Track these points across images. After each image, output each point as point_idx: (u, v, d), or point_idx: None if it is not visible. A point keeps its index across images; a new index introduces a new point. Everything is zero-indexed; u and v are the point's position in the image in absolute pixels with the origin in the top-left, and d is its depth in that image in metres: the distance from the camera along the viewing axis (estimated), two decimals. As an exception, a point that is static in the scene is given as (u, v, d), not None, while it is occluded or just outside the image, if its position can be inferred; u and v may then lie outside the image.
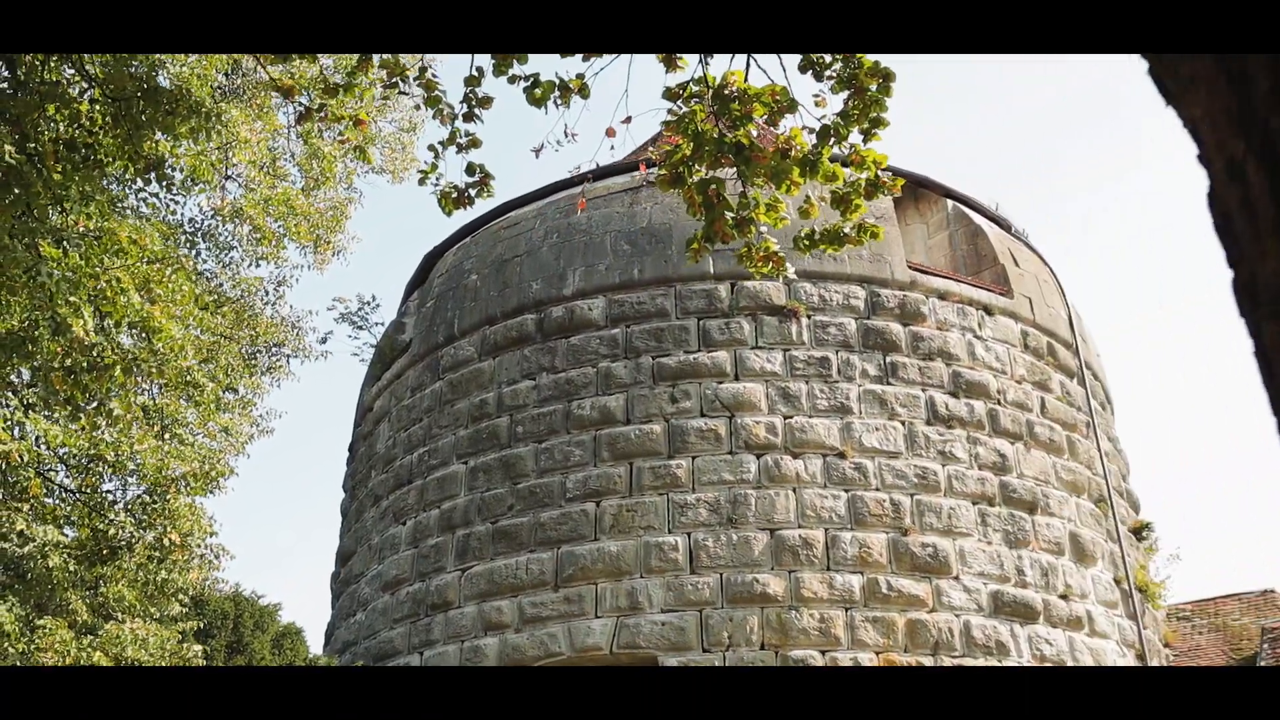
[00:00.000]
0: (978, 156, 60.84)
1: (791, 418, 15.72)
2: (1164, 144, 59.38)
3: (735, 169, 6.02)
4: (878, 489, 15.36)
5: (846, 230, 6.35)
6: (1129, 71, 59.91)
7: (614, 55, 5.81)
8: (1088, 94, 58.63)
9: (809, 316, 16.49)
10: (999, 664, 14.72)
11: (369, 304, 21.03)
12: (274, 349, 13.82)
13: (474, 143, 6.48)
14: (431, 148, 6.47)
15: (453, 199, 6.51)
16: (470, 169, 6.52)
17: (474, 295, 18.29)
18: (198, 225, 11.88)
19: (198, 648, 9.66)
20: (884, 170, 6.15)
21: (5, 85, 6.12)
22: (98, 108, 6.44)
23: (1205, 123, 1.37)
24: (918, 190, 19.10)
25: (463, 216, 22.96)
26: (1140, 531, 18.41)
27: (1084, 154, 59.81)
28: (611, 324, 16.81)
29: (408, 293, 21.47)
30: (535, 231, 18.27)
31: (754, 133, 5.98)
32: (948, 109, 58.10)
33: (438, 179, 6.56)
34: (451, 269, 19.41)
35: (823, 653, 14.29)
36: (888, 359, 16.39)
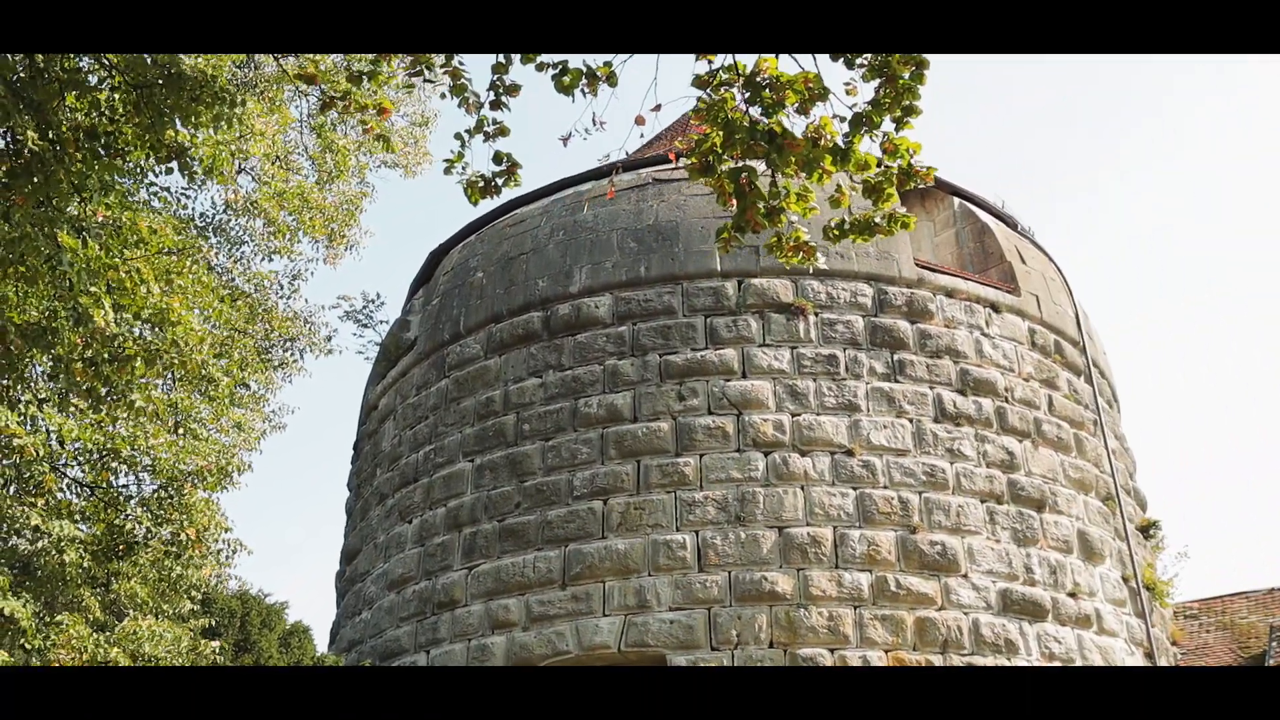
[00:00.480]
0: (982, 155, 60.87)
1: (799, 415, 15.68)
2: (1169, 142, 59.47)
3: (764, 158, 5.96)
4: (886, 487, 15.32)
5: (878, 220, 6.30)
6: (1132, 70, 60.00)
7: (643, 54, 5.77)
8: (1091, 92, 58.70)
9: (816, 314, 16.45)
10: (1008, 662, 14.69)
11: (374, 302, 20.99)
12: (287, 343, 13.75)
13: (501, 131, 6.42)
14: (458, 136, 6.41)
15: (479, 188, 6.45)
16: (498, 158, 6.45)
17: (480, 293, 18.22)
18: (208, 220, 11.83)
19: (215, 644, 9.59)
20: (916, 159, 6.11)
21: (24, 73, 6.05)
22: (118, 95, 6.37)
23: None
24: (925, 188, 19.06)
25: (468, 214, 22.81)
26: (1148, 529, 18.39)
27: (1088, 152, 59.89)
28: (618, 321, 16.75)
29: (413, 290, 21.39)
30: (541, 229, 18.21)
31: (785, 121, 5.94)
32: (952, 108, 58.14)
33: (463, 168, 6.51)
34: (457, 266, 19.34)
35: (831, 651, 14.25)
36: (895, 357, 16.36)
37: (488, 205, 19.60)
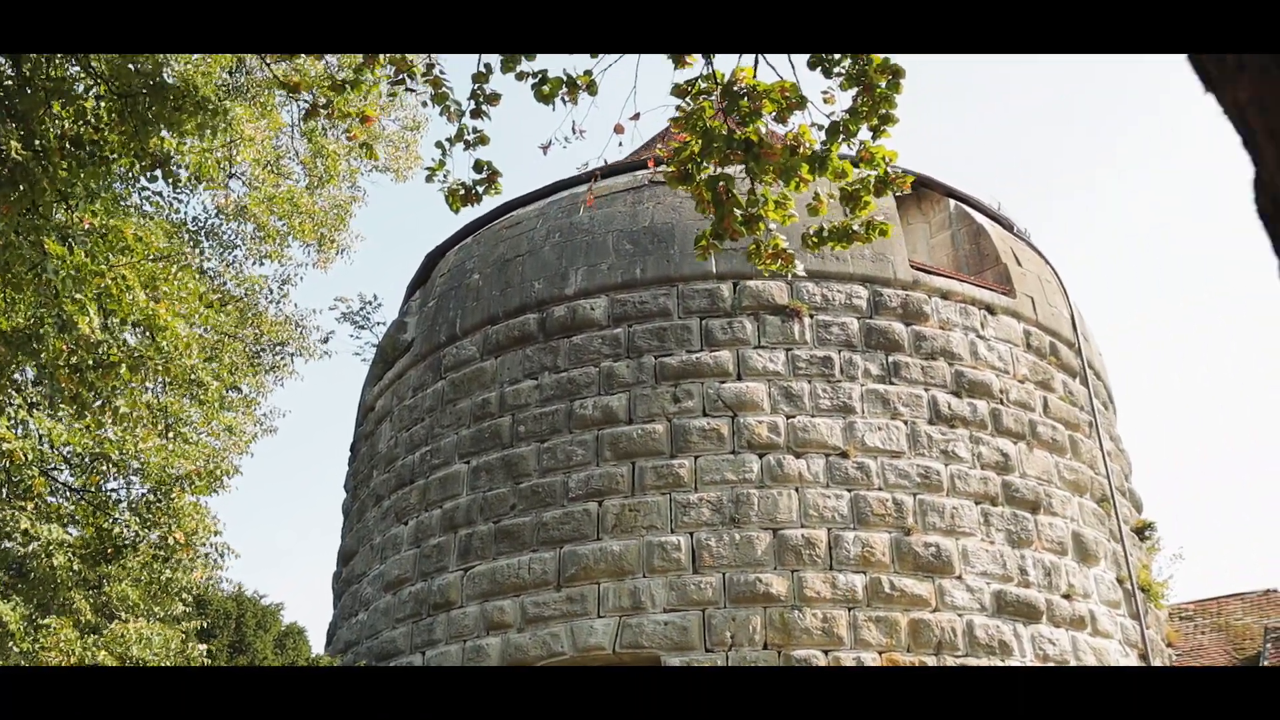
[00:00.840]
0: (978, 155, 60.83)
1: (794, 417, 15.71)
2: (1165, 141, 59.41)
3: (744, 166, 6.00)
4: (880, 488, 15.35)
5: (855, 228, 6.34)
6: (1127, 69, 59.98)
7: (621, 54, 5.81)
8: (1087, 91, 58.66)
9: (811, 316, 16.47)
10: (1002, 664, 14.71)
11: (370, 303, 21.04)
12: (277, 348, 13.78)
13: (482, 140, 6.47)
14: (439, 144, 6.45)
15: (460, 196, 6.50)
16: (478, 166, 6.50)
17: (476, 295, 18.27)
18: (201, 224, 11.87)
19: (202, 647, 9.63)
20: (893, 166, 6.14)
21: (11, 82, 6.09)
22: (103, 104, 6.41)
23: (1254, 107, 1.35)
24: (920, 190, 19.08)
25: (465, 215, 22.96)
26: (1143, 531, 18.40)
27: (1084, 151, 59.84)
28: (614, 323, 16.79)
29: (409, 292, 21.45)
30: (537, 231, 18.25)
31: (762, 129, 5.97)
32: (948, 108, 58.10)
33: (445, 176, 6.55)
34: (453, 268, 19.40)
35: (825, 652, 14.28)
36: (890, 358, 16.38)
37: (487, 205, 19.61)
